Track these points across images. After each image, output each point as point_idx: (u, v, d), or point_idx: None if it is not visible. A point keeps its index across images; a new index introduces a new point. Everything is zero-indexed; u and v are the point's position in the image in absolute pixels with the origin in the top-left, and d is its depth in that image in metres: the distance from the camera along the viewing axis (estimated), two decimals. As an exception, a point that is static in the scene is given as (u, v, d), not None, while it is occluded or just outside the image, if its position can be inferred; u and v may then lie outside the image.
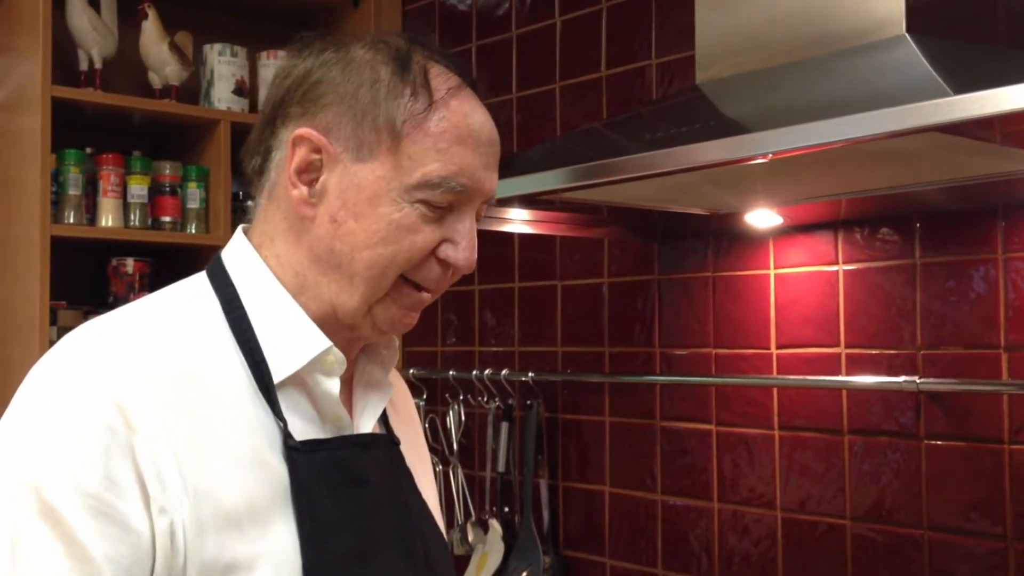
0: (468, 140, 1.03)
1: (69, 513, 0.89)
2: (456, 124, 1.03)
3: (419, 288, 1.06)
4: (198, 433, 0.95)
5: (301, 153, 1.03)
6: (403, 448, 1.16)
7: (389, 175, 1.01)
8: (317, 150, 1.03)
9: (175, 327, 1.01)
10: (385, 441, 1.13)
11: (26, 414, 0.94)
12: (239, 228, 1.12)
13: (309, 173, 1.03)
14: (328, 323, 1.05)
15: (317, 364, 1.04)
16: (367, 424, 1.11)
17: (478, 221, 1.08)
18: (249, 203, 1.12)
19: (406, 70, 1.03)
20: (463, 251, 1.05)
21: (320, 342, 1.04)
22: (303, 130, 1.03)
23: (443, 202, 1.03)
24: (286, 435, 1.00)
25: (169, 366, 0.97)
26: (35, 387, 0.97)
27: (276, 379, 1.02)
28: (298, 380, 1.04)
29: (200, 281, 1.08)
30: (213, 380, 0.99)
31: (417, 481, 1.17)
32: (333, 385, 1.05)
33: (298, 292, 1.06)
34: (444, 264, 1.05)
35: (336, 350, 1.05)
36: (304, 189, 1.04)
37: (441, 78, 1.04)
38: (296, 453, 1.00)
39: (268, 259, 1.07)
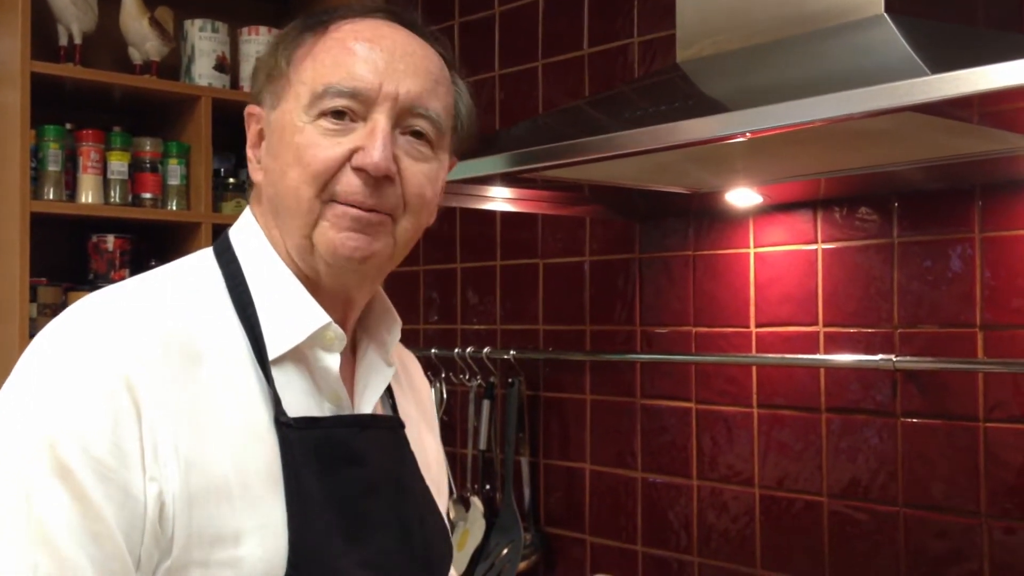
0: (358, 51, 1.05)
1: (80, 473, 0.90)
2: (341, 39, 1.06)
3: (350, 205, 1.04)
4: (195, 404, 0.97)
5: (251, 128, 1.11)
6: (411, 430, 1.17)
7: (291, 107, 1.06)
8: (259, 120, 1.10)
9: (180, 300, 1.03)
10: (388, 423, 1.13)
11: (38, 377, 0.95)
12: (247, 206, 1.15)
13: (259, 145, 1.10)
14: (313, 284, 1.07)
15: (317, 340, 1.05)
16: (367, 405, 1.11)
17: (405, 133, 1.05)
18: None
19: (313, 26, 1.08)
20: (370, 152, 1.02)
21: (319, 317, 1.05)
22: (248, 107, 1.11)
23: (339, 107, 1.03)
24: (278, 411, 1.01)
25: (172, 337, 0.98)
26: (46, 351, 0.97)
27: (274, 354, 1.03)
28: (299, 356, 1.05)
29: (206, 256, 1.11)
30: (214, 353, 1.01)
31: (424, 464, 1.18)
32: (333, 361, 1.06)
33: (287, 263, 1.08)
34: (360, 172, 1.03)
35: (335, 326, 1.06)
36: (255, 160, 1.10)
37: (347, 24, 1.08)
38: (288, 429, 1.01)
39: (268, 236, 1.10)
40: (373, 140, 1.02)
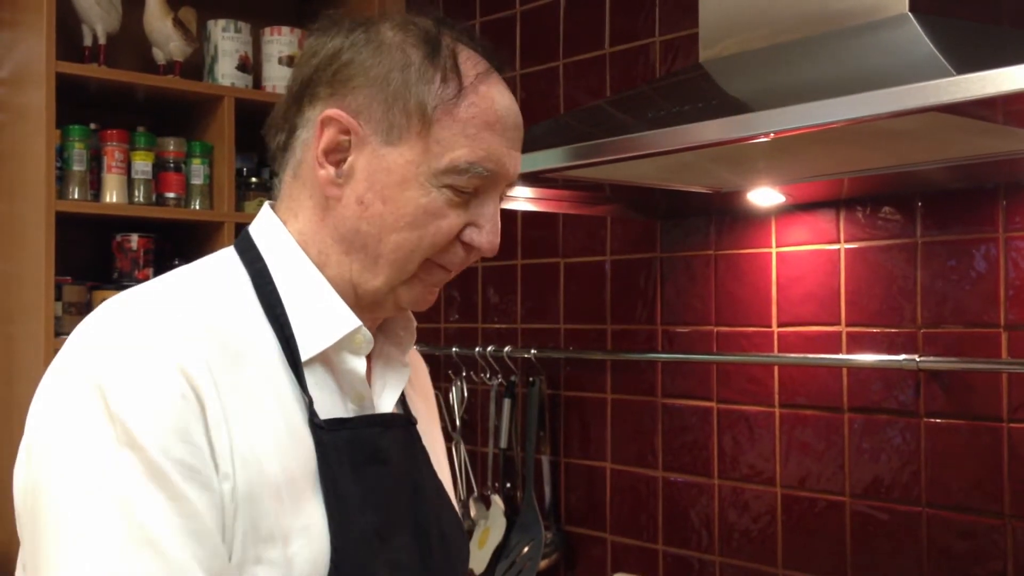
0: (496, 125, 1.05)
1: (172, 474, 0.90)
2: (484, 110, 1.04)
3: (445, 269, 1.09)
4: (243, 403, 0.96)
5: (329, 134, 1.04)
6: (420, 427, 1.17)
7: (418, 159, 1.03)
8: (346, 131, 1.04)
9: (213, 299, 1.02)
10: (403, 421, 1.13)
11: (106, 383, 0.92)
12: (265, 204, 1.13)
13: (336, 154, 1.05)
14: (348, 301, 1.06)
15: (345, 343, 1.05)
16: (387, 404, 1.12)
17: (501, 204, 1.10)
18: (274, 179, 1.14)
19: (436, 54, 1.04)
20: (487, 235, 1.06)
21: (350, 321, 1.05)
22: (332, 111, 1.04)
23: (469, 187, 1.04)
24: (311, 412, 1.01)
25: (218, 335, 0.98)
26: (101, 354, 0.94)
27: (305, 356, 1.03)
28: (324, 358, 1.05)
29: (229, 256, 1.09)
30: (252, 352, 1.00)
31: (436, 460, 1.19)
32: (360, 364, 1.06)
33: (320, 269, 1.07)
34: (468, 247, 1.07)
35: (365, 329, 1.06)
36: (331, 170, 1.05)
37: (470, 62, 1.06)
38: (321, 431, 1.01)
39: (292, 235, 1.08)
40: (490, 223, 1.06)
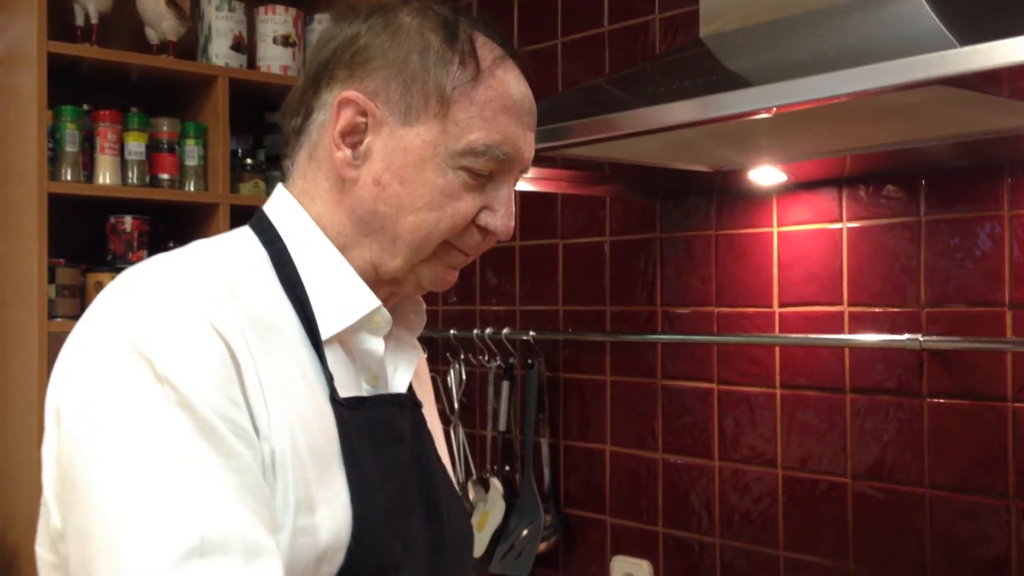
0: (512, 110, 1.07)
1: (221, 430, 0.91)
2: (501, 94, 1.06)
3: (463, 253, 1.10)
4: (273, 370, 0.98)
5: (347, 115, 1.06)
6: (425, 410, 1.19)
7: (435, 140, 1.04)
8: (363, 113, 1.05)
9: (236, 270, 1.02)
10: (410, 403, 1.15)
11: (154, 346, 0.92)
12: (279, 185, 1.13)
13: (353, 136, 1.06)
14: (368, 281, 1.08)
15: (364, 322, 1.07)
16: (400, 384, 1.13)
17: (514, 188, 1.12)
18: (285, 162, 1.14)
19: (454, 38, 1.06)
20: (502, 218, 1.08)
21: (370, 301, 1.06)
22: (350, 93, 1.05)
23: (485, 170, 1.06)
24: (332, 390, 1.03)
25: (244, 303, 0.98)
26: (130, 320, 0.94)
27: (325, 335, 1.04)
28: (341, 337, 1.06)
29: (245, 235, 1.10)
30: (276, 325, 1.01)
31: (439, 443, 1.21)
32: (378, 344, 1.08)
33: (340, 251, 1.08)
34: (483, 231, 1.08)
35: (384, 310, 1.08)
36: (348, 151, 1.06)
37: (486, 48, 1.08)
38: (342, 408, 1.02)
39: (317, 221, 1.09)
40: (505, 207, 1.08)
